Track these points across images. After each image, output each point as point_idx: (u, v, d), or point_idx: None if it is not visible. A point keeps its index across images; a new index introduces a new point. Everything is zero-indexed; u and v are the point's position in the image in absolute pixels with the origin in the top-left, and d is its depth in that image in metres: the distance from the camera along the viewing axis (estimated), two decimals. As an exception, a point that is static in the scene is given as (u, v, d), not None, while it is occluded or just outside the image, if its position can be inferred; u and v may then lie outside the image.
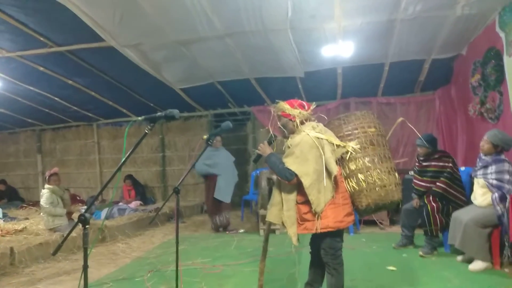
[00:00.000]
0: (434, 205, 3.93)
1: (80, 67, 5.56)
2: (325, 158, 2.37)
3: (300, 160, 2.38)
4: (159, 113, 1.96)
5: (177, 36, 4.63)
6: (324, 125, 2.63)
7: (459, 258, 3.71)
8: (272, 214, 2.58)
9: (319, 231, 2.41)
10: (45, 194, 4.87)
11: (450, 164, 4.02)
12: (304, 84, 6.26)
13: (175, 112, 2.00)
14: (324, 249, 2.51)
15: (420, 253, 3.93)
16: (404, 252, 4.12)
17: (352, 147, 2.54)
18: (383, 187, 2.56)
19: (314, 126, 2.52)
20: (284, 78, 5.97)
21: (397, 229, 4.83)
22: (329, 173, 2.38)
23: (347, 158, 2.58)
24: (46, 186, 4.96)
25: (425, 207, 3.97)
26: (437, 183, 4.00)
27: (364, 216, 4.83)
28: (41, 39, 4.73)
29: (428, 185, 4.08)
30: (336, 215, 2.44)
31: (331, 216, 2.42)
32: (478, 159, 3.69)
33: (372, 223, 5.36)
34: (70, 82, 6.18)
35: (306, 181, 2.35)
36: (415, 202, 4.18)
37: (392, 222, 5.47)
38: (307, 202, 2.43)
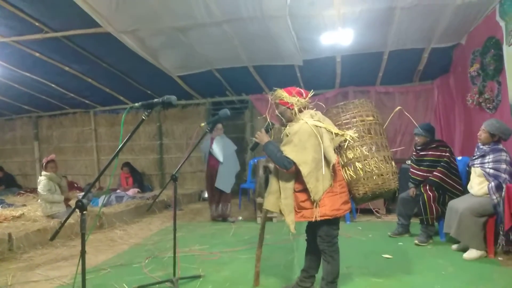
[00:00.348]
0: (431, 194, 3.95)
1: (76, 54, 5.49)
2: (323, 146, 2.37)
3: (298, 148, 2.38)
4: (156, 99, 1.95)
5: (174, 22, 4.56)
6: (322, 113, 2.63)
7: (454, 246, 3.75)
8: (269, 202, 2.58)
9: (318, 219, 2.42)
10: (42, 181, 4.87)
11: (447, 154, 4.03)
12: (303, 72, 6.22)
13: (173, 98, 1.99)
14: (321, 237, 2.53)
15: (416, 241, 3.97)
16: (400, 240, 4.16)
17: (350, 136, 2.54)
18: (380, 175, 2.58)
19: (313, 114, 2.52)
20: (282, 66, 5.93)
21: (393, 218, 4.87)
22: (327, 161, 2.38)
23: (345, 146, 2.58)
24: (43, 173, 4.95)
25: (422, 196, 3.99)
26: (434, 173, 4.01)
27: (361, 204, 4.86)
28: (37, 24, 4.66)
29: (425, 174, 4.10)
30: (333, 203, 2.45)
31: (328, 204, 2.43)
32: (476, 148, 3.70)
33: (369, 211, 5.40)
34: (66, 68, 6.11)
35: (304, 170, 2.36)
36: (411, 191, 4.20)
37: (388, 211, 5.50)
38: (304, 190, 2.44)
